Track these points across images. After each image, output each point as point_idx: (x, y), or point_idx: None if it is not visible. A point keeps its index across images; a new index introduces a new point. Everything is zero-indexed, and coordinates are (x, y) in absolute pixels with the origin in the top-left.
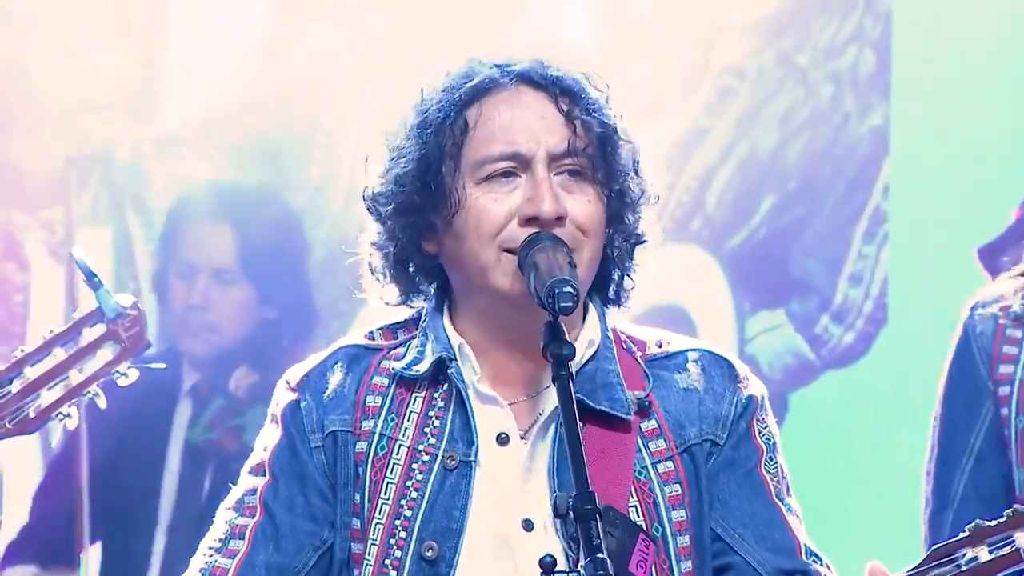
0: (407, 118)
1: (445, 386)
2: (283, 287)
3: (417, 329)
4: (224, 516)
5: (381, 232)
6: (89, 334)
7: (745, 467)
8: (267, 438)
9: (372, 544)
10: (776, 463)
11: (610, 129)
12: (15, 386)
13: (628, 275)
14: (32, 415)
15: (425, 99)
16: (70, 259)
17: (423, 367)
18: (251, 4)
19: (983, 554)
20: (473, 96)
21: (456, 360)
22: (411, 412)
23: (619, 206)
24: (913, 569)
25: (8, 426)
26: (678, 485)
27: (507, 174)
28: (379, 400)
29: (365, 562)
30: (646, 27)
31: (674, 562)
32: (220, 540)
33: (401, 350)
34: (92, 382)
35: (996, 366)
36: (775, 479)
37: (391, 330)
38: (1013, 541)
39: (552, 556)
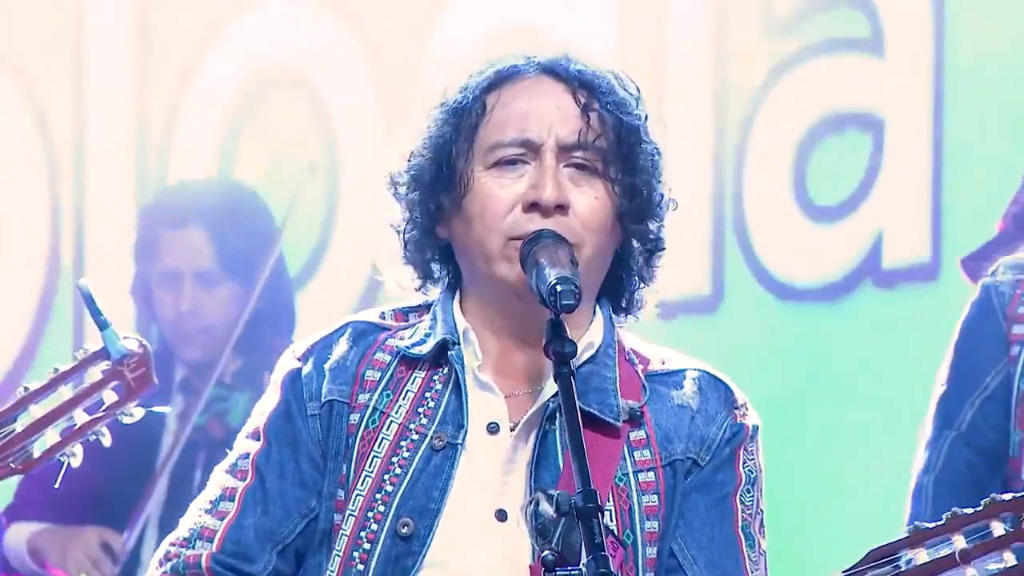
0: (431, 100)
1: (445, 369)
2: (269, 281)
3: (428, 313)
4: (217, 479)
5: (400, 213)
6: (94, 373)
7: (720, 492)
8: (265, 404)
9: (351, 515)
10: (753, 497)
11: (628, 126)
12: (19, 424)
13: (644, 283)
14: (36, 455)
15: (449, 82)
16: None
17: (426, 348)
18: None
19: (921, 556)
20: (495, 82)
21: (459, 344)
22: (408, 391)
23: (633, 207)
24: (851, 569)
25: (12, 466)
26: (656, 496)
27: (515, 161)
28: (378, 375)
29: (341, 532)
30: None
31: (641, 572)
32: (211, 502)
33: (409, 331)
34: (97, 423)
35: (1011, 325)
36: (747, 512)
37: (403, 312)
38: (951, 543)
39: (554, 554)
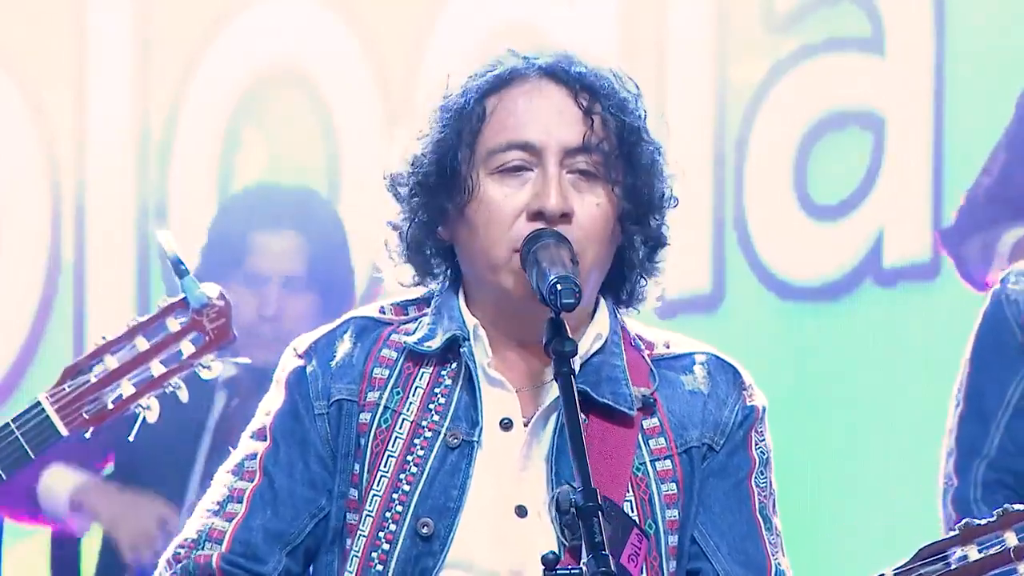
0: (432, 100)
1: (454, 365)
2: (343, 293)
3: (428, 307)
4: (223, 479)
5: (399, 213)
6: (173, 324)
7: (736, 477)
8: (270, 403)
9: (368, 515)
10: (766, 478)
11: (630, 127)
12: (94, 375)
13: (645, 277)
14: (110, 406)
15: (450, 83)
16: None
17: (435, 343)
18: None
19: (972, 553)
20: (495, 85)
21: (470, 340)
22: (417, 387)
23: (635, 206)
24: (901, 567)
25: (84, 416)
26: (674, 484)
27: (519, 168)
28: (386, 372)
29: (359, 533)
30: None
31: (664, 560)
32: (218, 503)
33: (411, 326)
34: (174, 374)
35: None
36: (763, 494)
37: (402, 306)
38: (1003, 541)
39: (554, 552)
